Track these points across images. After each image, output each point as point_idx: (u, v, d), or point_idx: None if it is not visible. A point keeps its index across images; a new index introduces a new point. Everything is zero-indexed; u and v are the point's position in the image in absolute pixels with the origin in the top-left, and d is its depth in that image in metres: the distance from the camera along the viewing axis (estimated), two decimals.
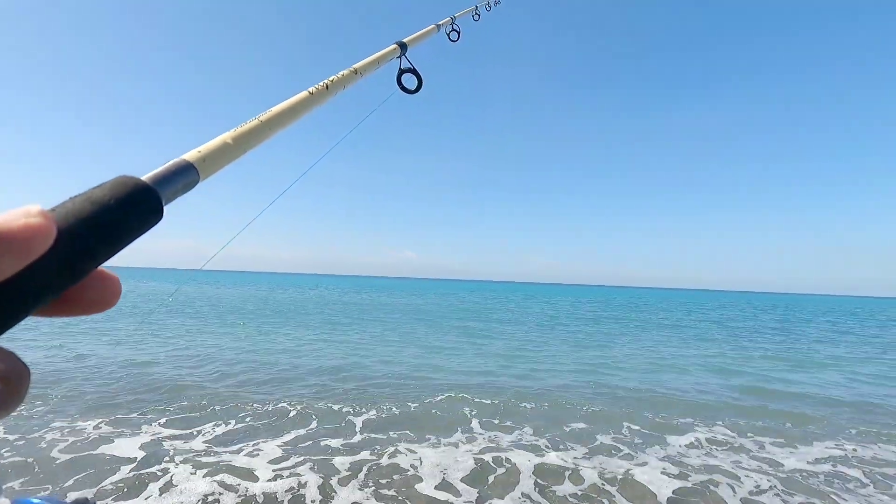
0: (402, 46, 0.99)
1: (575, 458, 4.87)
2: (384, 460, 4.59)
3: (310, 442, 5.04)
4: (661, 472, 4.56)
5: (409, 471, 4.38)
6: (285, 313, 21.45)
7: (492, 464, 4.62)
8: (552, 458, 4.82)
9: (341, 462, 4.50)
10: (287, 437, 5.12)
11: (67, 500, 0.28)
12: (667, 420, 6.38)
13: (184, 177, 0.35)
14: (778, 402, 7.68)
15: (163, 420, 5.55)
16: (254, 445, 4.83)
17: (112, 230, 0.25)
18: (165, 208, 0.31)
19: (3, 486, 0.26)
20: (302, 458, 4.54)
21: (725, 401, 7.65)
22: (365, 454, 4.71)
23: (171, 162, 0.36)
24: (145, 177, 0.31)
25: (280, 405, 6.33)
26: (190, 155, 0.38)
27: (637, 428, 5.95)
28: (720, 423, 6.33)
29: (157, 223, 0.30)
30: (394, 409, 6.37)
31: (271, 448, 4.78)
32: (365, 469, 4.38)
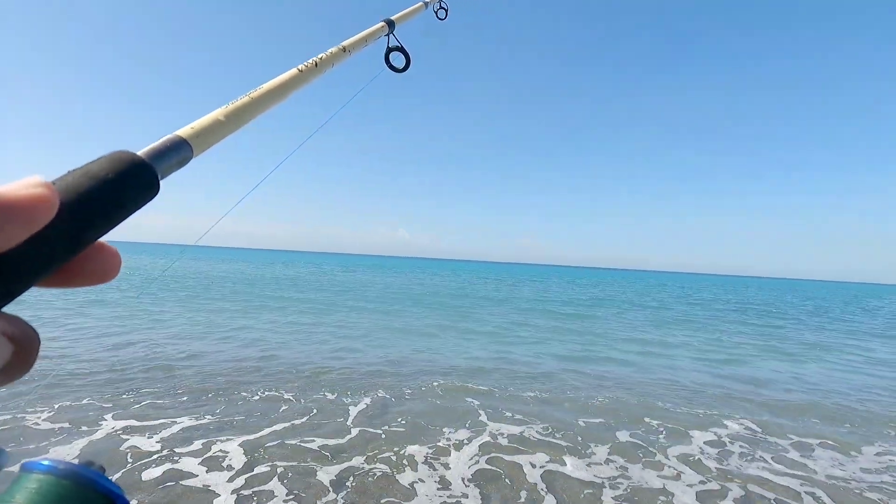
0: (390, 24, 0.94)
1: (594, 460, 4.21)
2: (376, 465, 3.89)
3: (284, 441, 4.29)
4: (699, 485, 3.91)
5: (405, 480, 3.69)
6: (274, 291, 20.72)
7: (500, 468, 3.96)
8: (572, 462, 4.14)
9: (325, 471, 3.78)
10: (260, 435, 4.37)
11: (75, 462, 0.30)
12: (683, 413, 5.75)
13: (178, 152, 0.35)
14: (800, 394, 7.11)
15: (119, 411, 4.80)
16: (219, 445, 4.07)
17: (110, 204, 0.26)
18: (161, 183, 0.31)
19: (6, 450, 0.25)
20: (274, 463, 3.81)
21: (741, 391, 7.06)
22: (356, 460, 3.99)
23: (165, 138, 0.35)
24: (141, 152, 0.31)
25: (257, 395, 5.60)
26: (183, 131, 0.38)
27: (657, 423, 5.31)
28: (740, 416, 5.74)
29: (153, 198, 0.30)
30: (387, 401, 5.67)
31: (238, 448, 4.02)
32: (352, 478, 3.68)
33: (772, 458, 4.53)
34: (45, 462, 0.29)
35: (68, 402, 4.92)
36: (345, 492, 3.46)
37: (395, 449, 4.23)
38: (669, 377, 7.74)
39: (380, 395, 5.85)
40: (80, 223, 0.24)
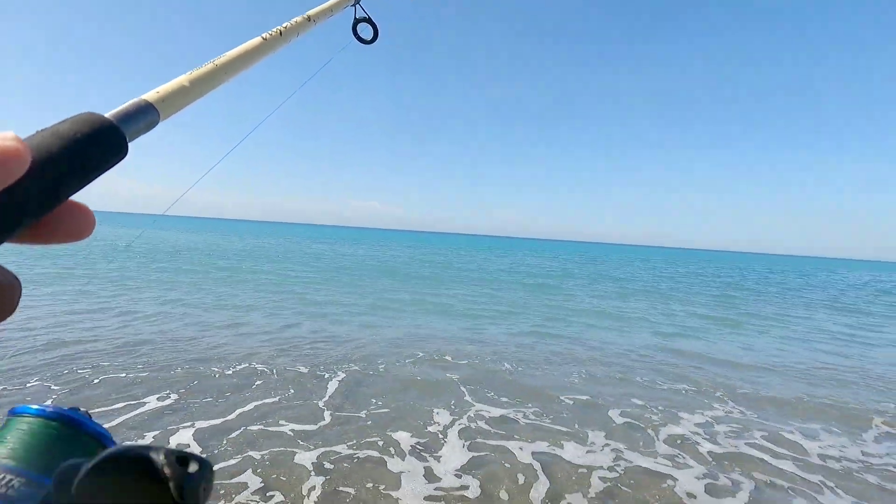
0: None
1: (589, 443, 4.04)
2: (358, 450, 3.60)
3: (248, 426, 3.95)
4: (699, 469, 3.78)
5: (392, 466, 3.41)
6: (243, 263, 19.95)
7: (487, 450, 3.73)
8: (571, 448, 3.96)
9: (302, 457, 3.47)
10: (225, 420, 3.99)
11: (62, 408, 0.31)
12: (666, 391, 5.66)
13: (145, 116, 0.35)
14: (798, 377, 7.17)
15: (65, 393, 4.33)
16: (181, 433, 3.69)
17: (80, 162, 0.26)
18: (129, 146, 0.31)
19: None
20: (247, 452, 3.45)
21: (722, 368, 7.07)
22: (336, 445, 3.68)
23: (131, 101, 0.35)
24: (108, 114, 0.31)
25: (220, 375, 5.19)
26: (149, 95, 0.37)
27: (641, 402, 5.18)
28: (724, 394, 5.69)
29: (122, 159, 0.30)
30: (365, 379, 5.36)
31: (202, 434, 3.64)
32: (328, 462, 3.38)
33: (763, 437, 4.47)
34: (34, 407, 0.30)
35: (1, 387, 4.40)
36: (325, 477, 3.19)
37: (379, 431, 3.95)
38: (648, 353, 7.68)
39: (356, 372, 5.53)
40: (52, 179, 0.24)
